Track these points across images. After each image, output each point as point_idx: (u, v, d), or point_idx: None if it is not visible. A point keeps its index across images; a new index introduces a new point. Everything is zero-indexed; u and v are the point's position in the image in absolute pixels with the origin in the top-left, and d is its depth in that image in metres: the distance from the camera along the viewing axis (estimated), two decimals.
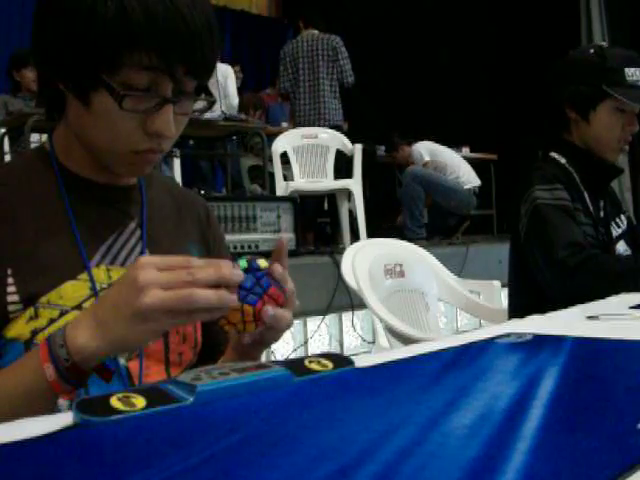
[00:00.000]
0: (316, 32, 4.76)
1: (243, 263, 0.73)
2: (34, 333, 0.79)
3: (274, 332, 0.79)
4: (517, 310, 1.65)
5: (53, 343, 0.70)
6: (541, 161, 1.71)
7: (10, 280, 0.80)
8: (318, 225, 5.28)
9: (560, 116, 1.69)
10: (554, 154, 1.69)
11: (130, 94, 0.77)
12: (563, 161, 1.67)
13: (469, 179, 5.06)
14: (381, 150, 5.90)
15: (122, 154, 0.83)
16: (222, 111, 4.20)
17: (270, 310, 0.72)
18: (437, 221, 5.11)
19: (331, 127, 4.65)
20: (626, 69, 1.60)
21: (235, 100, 5.05)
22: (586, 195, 1.64)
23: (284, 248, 0.78)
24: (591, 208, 1.63)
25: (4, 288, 0.79)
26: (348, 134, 4.58)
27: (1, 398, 0.71)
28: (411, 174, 4.96)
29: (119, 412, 0.53)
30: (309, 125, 4.67)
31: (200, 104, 0.88)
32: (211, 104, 0.91)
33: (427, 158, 5.16)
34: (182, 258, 0.68)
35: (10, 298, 0.79)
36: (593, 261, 1.47)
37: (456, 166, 5.07)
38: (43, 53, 0.82)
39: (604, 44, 1.73)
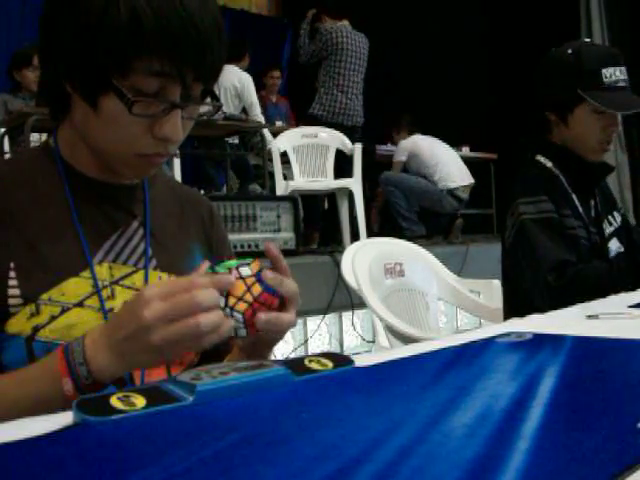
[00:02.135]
0: (350, 26, 4.71)
1: (232, 264, 0.72)
2: (35, 329, 0.80)
3: (274, 334, 0.78)
4: (510, 310, 1.65)
5: (72, 359, 0.70)
6: (526, 166, 1.69)
7: (12, 274, 0.80)
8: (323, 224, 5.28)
9: (541, 118, 1.68)
10: (540, 157, 1.67)
11: (140, 100, 0.77)
12: (549, 165, 1.65)
13: (447, 180, 5.02)
14: (380, 149, 5.89)
15: (128, 157, 0.83)
16: (222, 110, 4.19)
17: (263, 317, 0.71)
18: (428, 222, 5.10)
19: (361, 126, 4.70)
20: (603, 70, 1.57)
21: (258, 108, 4.96)
22: (574, 197, 1.62)
23: (272, 252, 0.77)
24: (580, 209, 1.62)
25: (5, 282, 0.80)
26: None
27: (16, 407, 0.71)
28: (383, 180, 5.03)
29: (119, 412, 0.53)
30: (348, 117, 4.65)
31: (205, 107, 0.88)
32: (217, 109, 0.91)
33: (402, 159, 5.14)
34: (185, 281, 0.69)
35: (11, 292, 0.80)
36: (577, 280, 1.46)
37: (432, 167, 5.03)
38: (51, 54, 0.82)
39: (586, 41, 1.71)
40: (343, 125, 4.60)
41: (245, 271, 0.71)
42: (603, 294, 1.20)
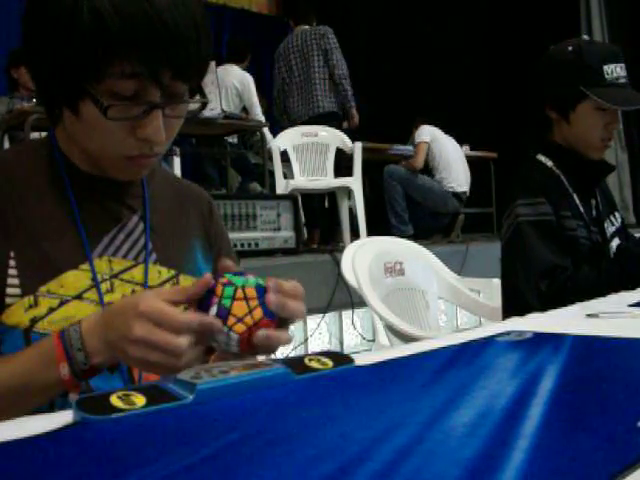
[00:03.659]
0: (307, 27, 4.69)
1: (239, 280, 0.71)
2: (33, 321, 0.80)
3: (267, 351, 0.75)
4: (507, 307, 1.65)
5: (69, 345, 0.71)
6: (526, 165, 1.69)
7: (12, 263, 0.80)
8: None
9: (542, 116, 1.68)
10: (541, 157, 1.67)
11: (115, 104, 0.76)
12: (550, 164, 1.65)
13: (453, 182, 5.02)
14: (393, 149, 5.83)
15: (115, 160, 0.83)
16: (222, 109, 4.19)
17: (263, 333, 0.70)
18: (428, 221, 5.09)
19: (322, 114, 4.57)
20: (605, 67, 1.57)
21: (258, 109, 4.96)
22: (575, 197, 1.62)
23: (274, 287, 0.73)
24: (582, 209, 1.61)
25: (5, 270, 0.80)
26: (351, 131, 4.57)
27: (9, 392, 0.73)
28: (387, 172, 4.98)
29: (119, 410, 0.53)
30: (301, 118, 4.60)
31: (194, 105, 0.88)
32: (204, 105, 0.90)
33: (427, 139, 5.07)
34: (176, 321, 0.67)
35: (10, 281, 0.80)
36: (568, 287, 1.47)
37: (443, 166, 5.01)
38: (32, 61, 0.82)
39: (585, 38, 1.70)
40: (308, 118, 4.55)
41: (250, 292, 0.71)
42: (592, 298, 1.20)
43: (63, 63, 0.75)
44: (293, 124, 4.62)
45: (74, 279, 0.83)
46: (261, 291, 0.71)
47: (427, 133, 5.13)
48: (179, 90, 0.81)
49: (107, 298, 0.85)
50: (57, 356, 0.71)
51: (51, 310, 0.81)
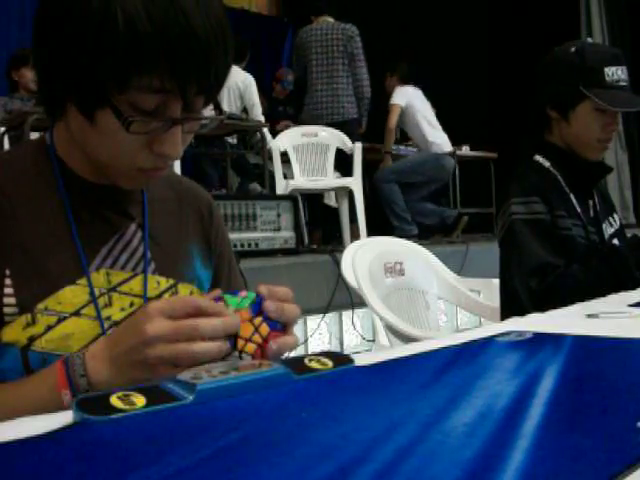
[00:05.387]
0: (331, 20, 4.65)
1: (233, 301, 0.71)
2: (31, 340, 0.78)
3: (282, 355, 0.76)
4: (503, 307, 1.65)
5: (72, 371, 0.71)
6: (523, 166, 1.70)
7: (8, 281, 0.78)
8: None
9: (542, 116, 1.68)
10: (538, 157, 1.67)
11: (138, 119, 0.74)
12: (547, 164, 1.65)
13: (441, 145, 4.90)
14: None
15: (126, 171, 0.80)
16: (223, 111, 4.19)
17: (275, 347, 0.70)
18: (428, 222, 5.06)
19: (346, 121, 4.57)
20: (606, 69, 1.58)
21: (259, 109, 4.96)
22: (572, 197, 1.62)
23: (264, 292, 0.73)
24: (579, 209, 1.62)
25: (1, 289, 0.78)
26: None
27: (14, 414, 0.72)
28: (377, 178, 4.92)
29: (119, 411, 0.53)
30: (323, 117, 4.58)
31: (208, 120, 0.86)
32: (220, 122, 0.89)
33: (402, 103, 4.91)
34: (190, 304, 0.68)
35: (7, 300, 0.78)
36: (557, 285, 1.47)
37: (427, 130, 4.89)
38: (46, 65, 0.78)
39: (589, 40, 1.71)
40: (330, 123, 4.53)
41: (250, 311, 0.71)
42: (584, 298, 1.20)
43: (88, 72, 0.72)
44: (310, 122, 4.58)
45: (72, 295, 0.81)
46: (259, 304, 0.72)
47: (401, 97, 4.94)
48: (199, 105, 0.79)
49: (105, 313, 0.83)
50: (60, 383, 0.70)
51: (49, 328, 0.79)
